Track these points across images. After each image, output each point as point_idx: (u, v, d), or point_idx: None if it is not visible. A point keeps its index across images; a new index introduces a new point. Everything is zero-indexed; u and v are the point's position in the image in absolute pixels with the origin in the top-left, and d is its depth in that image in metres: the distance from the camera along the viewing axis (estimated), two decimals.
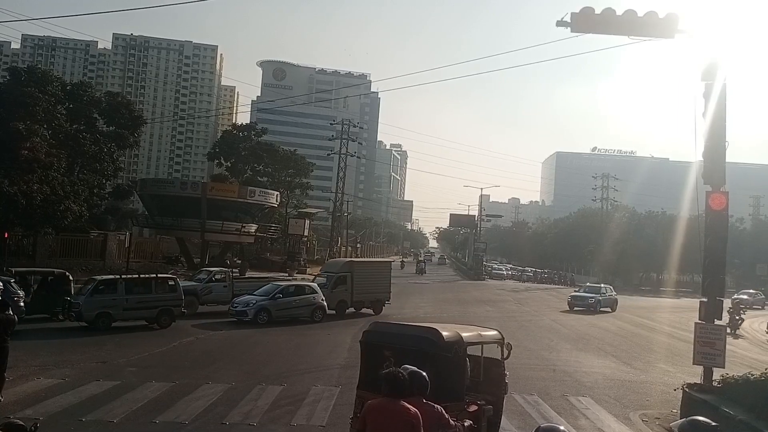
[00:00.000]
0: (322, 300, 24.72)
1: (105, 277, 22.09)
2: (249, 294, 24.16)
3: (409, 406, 5.14)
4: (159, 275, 22.26)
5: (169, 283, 21.42)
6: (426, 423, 5.22)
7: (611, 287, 40.23)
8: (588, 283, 46.00)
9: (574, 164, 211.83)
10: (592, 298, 35.83)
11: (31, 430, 4.27)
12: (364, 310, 27.67)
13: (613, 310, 36.64)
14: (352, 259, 34.38)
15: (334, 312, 25.94)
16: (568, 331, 26.27)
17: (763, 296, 52.35)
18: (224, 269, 28.58)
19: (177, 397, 11.74)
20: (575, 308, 35.50)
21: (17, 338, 12.85)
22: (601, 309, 35.85)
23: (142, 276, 21.79)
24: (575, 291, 39.39)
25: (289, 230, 57.55)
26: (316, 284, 25.91)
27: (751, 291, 52.76)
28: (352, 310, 27.25)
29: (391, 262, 36.67)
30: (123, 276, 21.90)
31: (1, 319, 10.99)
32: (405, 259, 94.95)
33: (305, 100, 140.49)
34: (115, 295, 19.83)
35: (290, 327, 22.36)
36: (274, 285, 24.81)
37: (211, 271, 27.55)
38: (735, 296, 40.56)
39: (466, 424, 6.58)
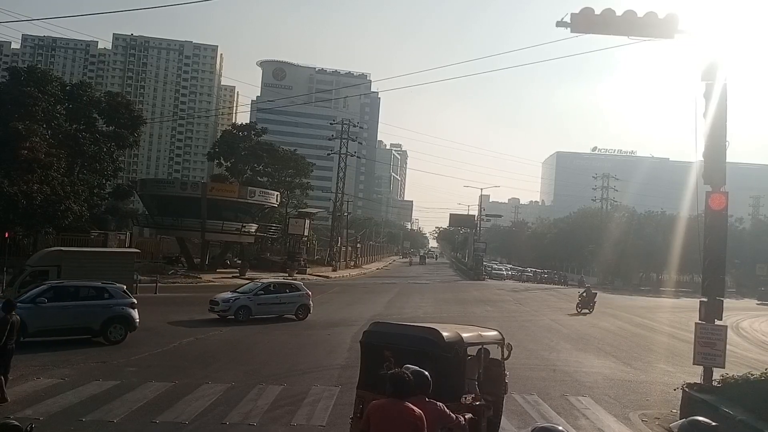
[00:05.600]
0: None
1: None
2: None
3: (414, 407, 5.16)
4: None
5: None
6: (429, 422, 5.25)
7: None
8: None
9: (574, 164, 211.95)
10: None
11: (28, 431, 4.27)
12: None
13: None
14: (62, 248, 25.98)
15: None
16: (568, 331, 26.26)
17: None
18: None
19: (177, 397, 11.74)
20: None
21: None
22: None
23: None
24: None
25: (289, 230, 57.55)
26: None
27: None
28: None
29: (134, 252, 27.20)
30: None
31: (8, 320, 11.03)
32: (412, 259, 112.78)
33: (305, 100, 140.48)
34: None
35: (285, 326, 22.38)
36: None
37: None
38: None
39: (467, 416, 6.61)
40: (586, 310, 34.12)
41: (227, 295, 23.78)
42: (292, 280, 27.92)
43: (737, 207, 47.31)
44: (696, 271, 61.05)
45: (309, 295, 24.67)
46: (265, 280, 26.91)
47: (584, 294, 35.17)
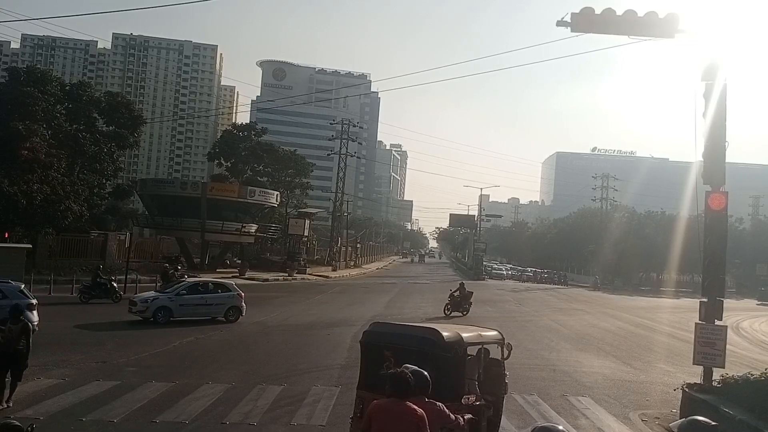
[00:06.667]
0: None
1: None
2: None
3: (415, 407, 5.16)
4: None
5: None
6: (429, 422, 5.25)
7: None
8: None
9: (574, 164, 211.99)
10: None
11: (28, 431, 4.26)
12: None
13: None
14: None
15: None
16: (568, 331, 26.26)
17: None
18: None
19: (177, 397, 11.73)
20: None
21: None
22: None
23: None
24: None
25: (289, 230, 57.56)
26: None
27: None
28: None
29: (24, 248, 26.34)
30: None
31: (29, 326, 11.00)
32: (413, 258, 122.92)
33: (305, 100, 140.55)
34: None
35: (285, 326, 22.37)
36: None
37: None
38: None
39: (467, 416, 6.61)
40: (458, 313, 28.51)
41: (147, 294, 22.55)
42: (222, 280, 26.54)
43: (737, 207, 47.27)
44: (696, 271, 61.03)
45: (241, 297, 23.05)
46: (192, 280, 25.10)
47: (457, 294, 29.13)
